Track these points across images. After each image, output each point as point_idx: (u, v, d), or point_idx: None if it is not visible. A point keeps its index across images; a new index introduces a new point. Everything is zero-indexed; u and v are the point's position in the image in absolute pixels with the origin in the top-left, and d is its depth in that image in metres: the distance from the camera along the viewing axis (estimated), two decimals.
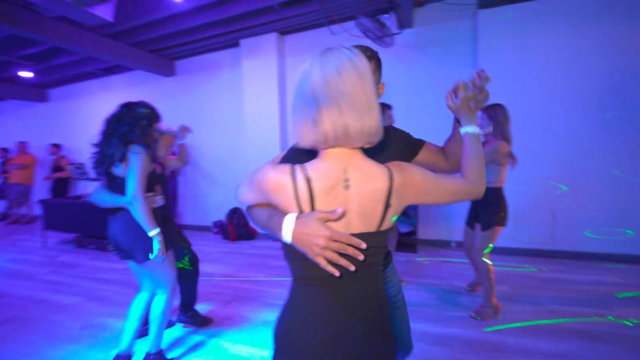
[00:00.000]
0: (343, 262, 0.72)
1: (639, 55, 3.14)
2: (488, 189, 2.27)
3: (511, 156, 2.27)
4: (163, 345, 1.91)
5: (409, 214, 4.14)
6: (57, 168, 5.91)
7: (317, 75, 0.73)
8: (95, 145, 1.74)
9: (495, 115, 2.25)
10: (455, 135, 1.06)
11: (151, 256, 1.64)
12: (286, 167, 0.76)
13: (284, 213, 0.76)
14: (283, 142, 4.62)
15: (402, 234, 3.98)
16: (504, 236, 3.58)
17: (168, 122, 5.82)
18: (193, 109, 5.37)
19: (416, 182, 0.79)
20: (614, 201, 3.30)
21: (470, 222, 2.46)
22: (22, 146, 6.32)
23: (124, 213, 1.67)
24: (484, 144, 2.33)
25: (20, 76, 5.48)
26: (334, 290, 0.77)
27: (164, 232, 1.71)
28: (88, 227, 4.28)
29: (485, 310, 2.26)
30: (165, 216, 1.93)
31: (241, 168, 5.01)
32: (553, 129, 3.45)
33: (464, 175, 0.88)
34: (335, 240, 0.71)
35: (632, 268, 3.10)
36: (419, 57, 3.98)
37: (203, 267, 3.48)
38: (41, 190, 6.41)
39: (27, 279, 3.32)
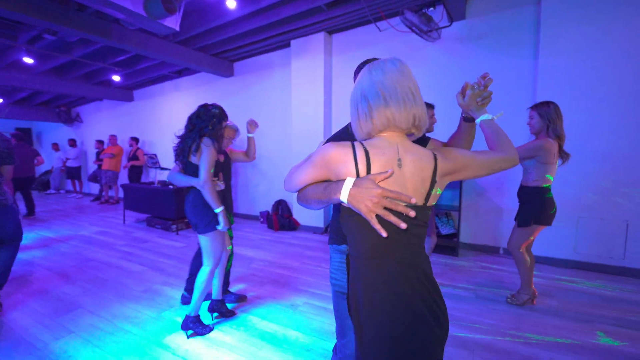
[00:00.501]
0: (393, 219, 0.80)
1: None
2: (530, 187, 2.18)
3: (562, 154, 2.13)
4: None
5: (452, 215, 3.96)
6: (134, 157, 6.90)
7: (366, 80, 0.90)
8: (179, 137, 2.11)
9: (548, 112, 2.11)
10: (460, 130, 1.21)
11: (219, 227, 2.00)
12: (346, 142, 0.90)
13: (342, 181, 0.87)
14: (326, 135, 4.75)
15: (443, 236, 3.83)
16: (563, 247, 3.25)
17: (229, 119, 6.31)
18: (248, 106, 5.80)
19: (455, 158, 0.91)
20: None
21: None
22: (113, 139, 7.50)
23: (194, 192, 2.04)
24: (533, 141, 2.20)
25: (112, 80, 6.51)
26: (395, 260, 0.86)
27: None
28: (156, 209, 4.96)
29: (520, 296, 2.34)
30: (224, 198, 2.25)
31: (286, 163, 5.28)
32: (627, 128, 2.99)
33: (495, 151, 0.99)
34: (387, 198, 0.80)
35: None
36: (471, 50, 3.76)
37: (246, 252, 3.83)
38: (125, 176, 7.54)
39: (108, 249, 4.00)
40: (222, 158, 2.29)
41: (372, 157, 0.85)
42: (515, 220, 2.39)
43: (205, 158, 1.96)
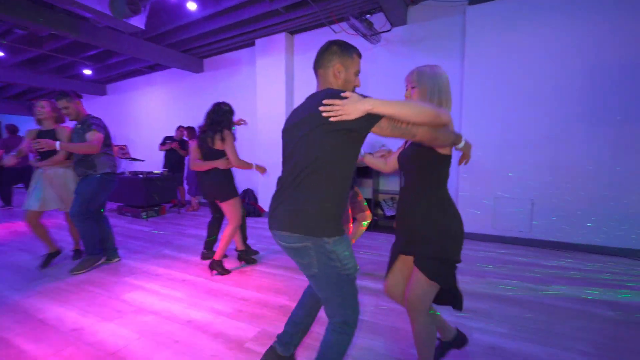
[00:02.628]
0: None
1: (624, 50, 3.13)
2: None
3: None
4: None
5: (396, 198, 4.44)
6: None
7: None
8: (200, 128, 2.77)
9: None
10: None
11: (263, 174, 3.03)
12: None
13: None
14: None
15: (388, 217, 4.31)
16: (484, 224, 3.77)
17: (198, 113, 6.54)
18: (216, 99, 6.09)
19: None
20: (594, 194, 3.32)
21: None
22: None
23: (214, 171, 2.71)
24: None
25: (83, 73, 6.65)
26: None
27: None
28: (127, 198, 5.21)
29: None
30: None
31: (251, 156, 5.64)
32: (536, 122, 3.53)
33: None
34: None
35: (592, 257, 3.13)
36: (411, 52, 4.24)
37: (204, 233, 4.16)
38: None
39: None
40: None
41: None
42: None
43: (231, 144, 2.68)
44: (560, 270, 2.85)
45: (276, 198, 1.26)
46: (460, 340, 1.55)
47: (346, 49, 1.24)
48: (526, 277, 2.69)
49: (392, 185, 4.55)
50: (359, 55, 1.29)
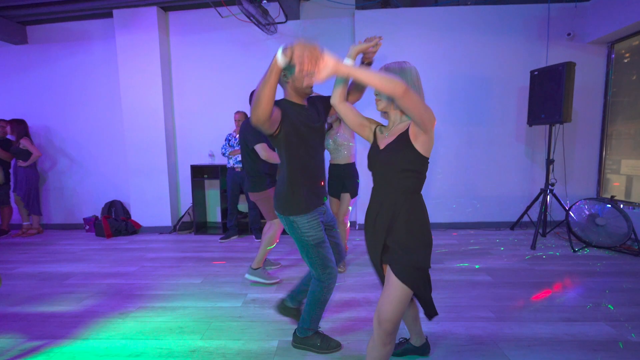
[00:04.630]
0: None
1: (475, 67, 3.93)
2: (354, 164, 2.63)
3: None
4: None
5: None
6: None
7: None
8: None
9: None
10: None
11: None
12: None
13: None
14: (167, 124, 4.28)
15: None
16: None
17: (18, 97, 4.85)
18: (54, 84, 4.53)
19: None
20: (455, 181, 4.08)
21: (336, 193, 2.78)
22: None
23: None
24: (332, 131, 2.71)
25: None
26: None
27: None
28: None
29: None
30: None
31: (118, 155, 4.47)
32: None
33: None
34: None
35: (466, 232, 3.90)
36: None
37: (58, 268, 3.03)
38: None
39: None
40: None
41: None
42: (334, 195, 2.80)
43: None
44: (446, 248, 3.35)
45: None
46: (426, 348, 1.62)
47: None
48: None
49: None
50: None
